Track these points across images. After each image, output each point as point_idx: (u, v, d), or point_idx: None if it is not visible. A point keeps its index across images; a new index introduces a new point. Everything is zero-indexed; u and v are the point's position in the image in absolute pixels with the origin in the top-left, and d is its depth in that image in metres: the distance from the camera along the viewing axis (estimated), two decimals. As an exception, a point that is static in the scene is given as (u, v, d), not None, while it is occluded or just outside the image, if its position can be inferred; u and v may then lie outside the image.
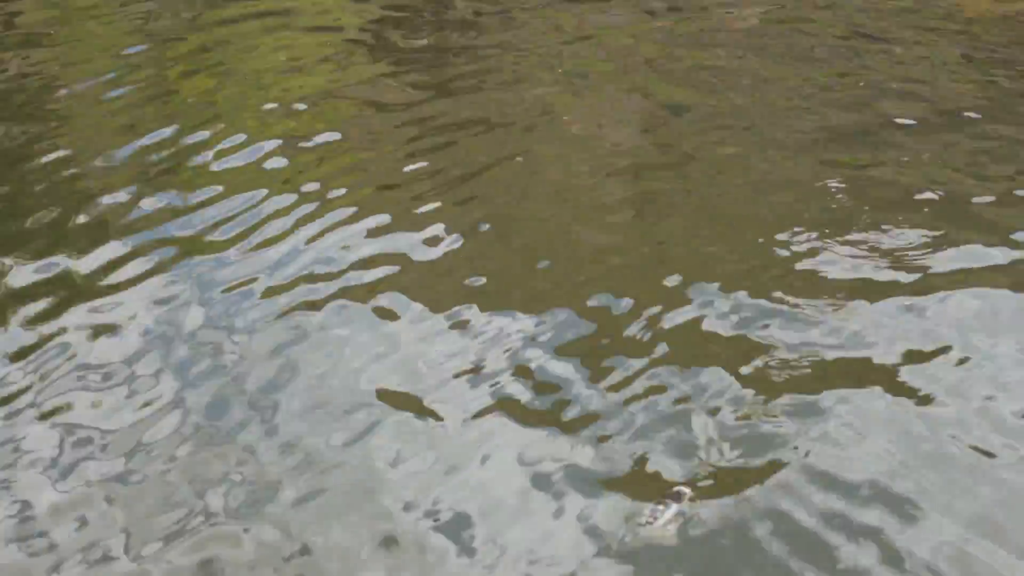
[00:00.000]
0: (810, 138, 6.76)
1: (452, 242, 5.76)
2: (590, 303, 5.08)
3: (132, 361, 4.91)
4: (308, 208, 6.23)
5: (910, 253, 5.34)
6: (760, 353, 4.64)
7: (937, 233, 5.50)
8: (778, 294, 5.03)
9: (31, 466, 4.32)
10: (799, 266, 5.30)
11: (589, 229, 5.88)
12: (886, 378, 4.45)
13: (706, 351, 4.70)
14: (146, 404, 4.62)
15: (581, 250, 5.67)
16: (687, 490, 3.71)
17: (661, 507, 3.62)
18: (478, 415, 4.40)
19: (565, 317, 5.00)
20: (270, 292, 5.39)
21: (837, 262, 5.31)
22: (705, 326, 4.89)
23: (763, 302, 4.98)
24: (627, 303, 5.05)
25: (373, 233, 5.91)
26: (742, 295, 5.05)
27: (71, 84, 8.69)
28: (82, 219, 6.31)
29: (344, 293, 5.34)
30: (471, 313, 5.07)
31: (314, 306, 5.23)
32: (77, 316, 5.30)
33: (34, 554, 3.89)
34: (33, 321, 5.28)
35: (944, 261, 5.27)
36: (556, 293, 5.21)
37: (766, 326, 4.81)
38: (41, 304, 5.43)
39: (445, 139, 7.12)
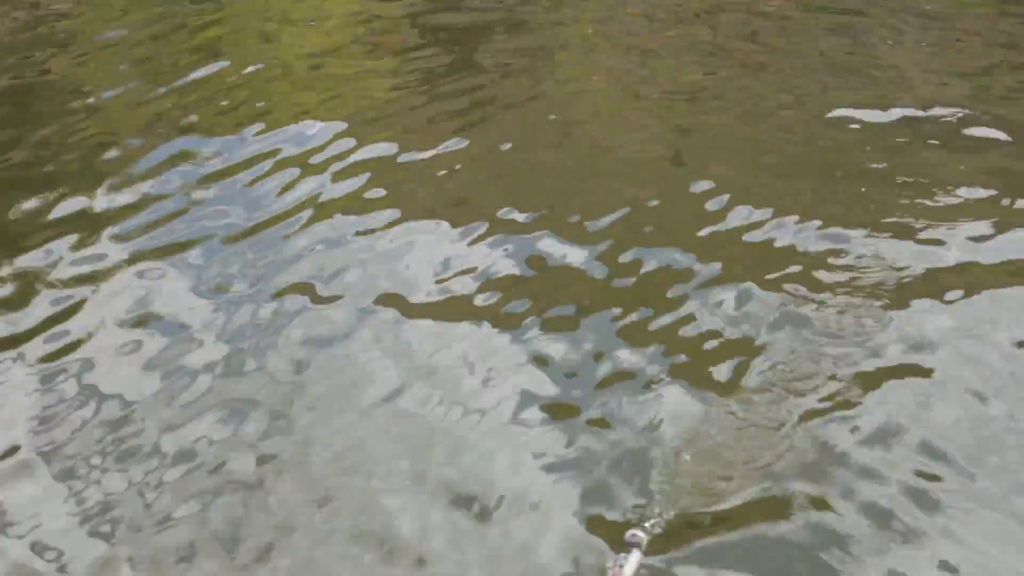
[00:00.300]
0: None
1: (479, 183, 5.69)
2: (610, 259, 4.93)
3: (151, 297, 4.95)
4: (332, 150, 6.18)
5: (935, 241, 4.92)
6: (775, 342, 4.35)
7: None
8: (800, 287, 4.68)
9: (47, 405, 4.33)
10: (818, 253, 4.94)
11: (617, 176, 5.75)
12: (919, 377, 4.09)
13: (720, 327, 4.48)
14: (167, 338, 4.66)
15: (606, 193, 5.52)
16: (643, 534, 3.44)
17: (624, 554, 3.39)
18: (492, 398, 4.20)
19: (588, 277, 4.85)
20: (288, 236, 5.36)
21: (861, 249, 4.92)
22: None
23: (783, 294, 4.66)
24: (650, 261, 4.89)
25: (393, 172, 5.87)
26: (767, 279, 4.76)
27: (91, 34, 8.66)
28: (103, 163, 6.32)
29: (365, 236, 5.30)
30: (494, 273, 4.94)
31: (333, 255, 5.18)
32: (100, 257, 5.34)
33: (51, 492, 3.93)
34: (55, 264, 5.31)
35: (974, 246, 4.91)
36: (578, 243, 5.08)
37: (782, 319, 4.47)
38: (63, 245, 5.45)
39: (476, 80, 7.03)
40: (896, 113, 6.11)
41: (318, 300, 4.87)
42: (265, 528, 3.70)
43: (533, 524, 3.61)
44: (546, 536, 3.57)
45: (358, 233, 5.40)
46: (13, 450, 4.14)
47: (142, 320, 4.85)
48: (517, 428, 4.03)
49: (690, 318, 4.51)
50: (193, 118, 6.81)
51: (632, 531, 3.44)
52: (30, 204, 5.92)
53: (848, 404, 3.96)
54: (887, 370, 4.12)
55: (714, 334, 4.40)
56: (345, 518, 3.71)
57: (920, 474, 3.64)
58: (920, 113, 6.13)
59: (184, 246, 5.40)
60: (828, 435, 3.83)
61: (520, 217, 5.38)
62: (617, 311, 4.60)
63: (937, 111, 6.12)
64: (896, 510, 3.51)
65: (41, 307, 5.00)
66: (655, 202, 5.44)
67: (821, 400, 4.00)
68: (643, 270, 4.86)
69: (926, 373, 4.10)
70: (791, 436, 3.84)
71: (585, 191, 5.61)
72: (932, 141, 5.87)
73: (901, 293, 4.56)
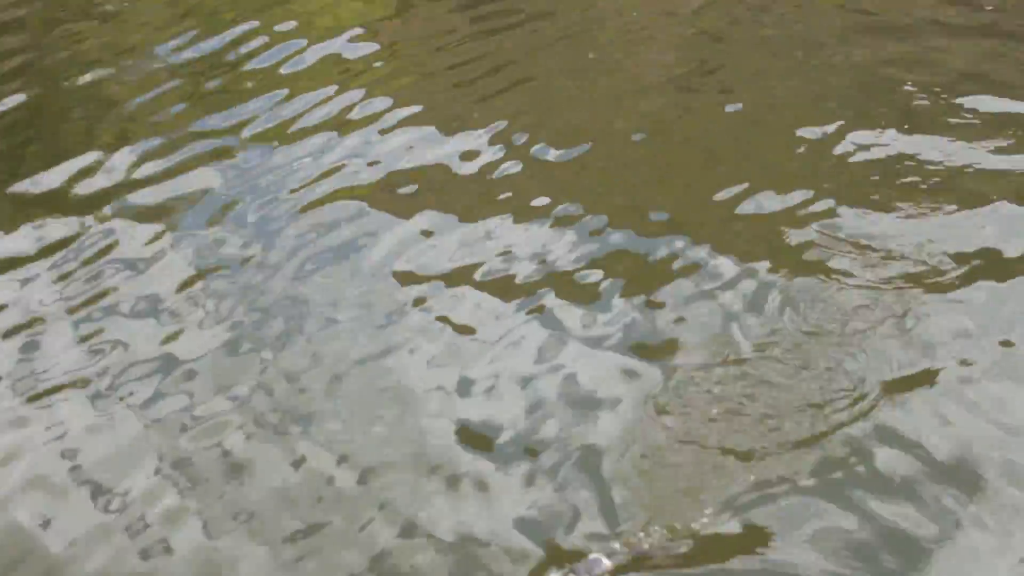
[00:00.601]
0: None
1: (493, 143, 5.45)
2: (631, 210, 4.75)
3: (165, 251, 4.94)
4: (347, 100, 6.05)
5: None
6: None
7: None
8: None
9: (61, 351, 4.39)
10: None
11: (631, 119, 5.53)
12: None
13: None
14: (178, 291, 4.66)
15: (619, 142, 5.33)
16: (606, 561, 3.09)
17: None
18: (504, 328, 4.16)
19: (608, 226, 4.65)
20: (303, 186, 5.30)
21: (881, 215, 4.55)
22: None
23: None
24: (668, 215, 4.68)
25: (411, 123, 5.74)
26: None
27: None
28: (116, 116, 6.34)
29: (379, 188, 5.20)
30: (504, 218, 4.83)
31: (347, 204, 5.11)
32: (115, 206, 5.36)
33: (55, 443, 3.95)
34: (74, 210, 5.36)
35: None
36: (597, 193, 4.93)
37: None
38: (80, 194, 5.51)
39: (494, 26, 6.80)
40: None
41: (334, 219, 4.95)
42: (251, 458, 3.72)
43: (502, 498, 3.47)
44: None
45: (378, 150, 5.46)
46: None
47: (168, 228, 5.08)
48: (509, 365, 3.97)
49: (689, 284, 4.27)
50: (213, 72, 6.74)
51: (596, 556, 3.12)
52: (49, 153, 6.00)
53: (860, 397, 3.59)
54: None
55: (711, 298, 4.15)
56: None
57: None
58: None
59: (204, 192, 5.43)
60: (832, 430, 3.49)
61: (541, 144, 5.31)
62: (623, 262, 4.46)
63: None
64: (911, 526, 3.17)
65: (72, 251, 5.08)
66: (672, 140, 5.32)
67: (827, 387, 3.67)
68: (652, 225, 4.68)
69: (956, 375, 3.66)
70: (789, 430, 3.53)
71: (604, 127, 5.47)
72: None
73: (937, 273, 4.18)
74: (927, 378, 3.63)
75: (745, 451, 3.44)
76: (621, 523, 3.26)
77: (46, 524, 3.60)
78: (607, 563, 3.07)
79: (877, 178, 4.73)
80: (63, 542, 3.51)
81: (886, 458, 3.35)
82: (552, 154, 5.27)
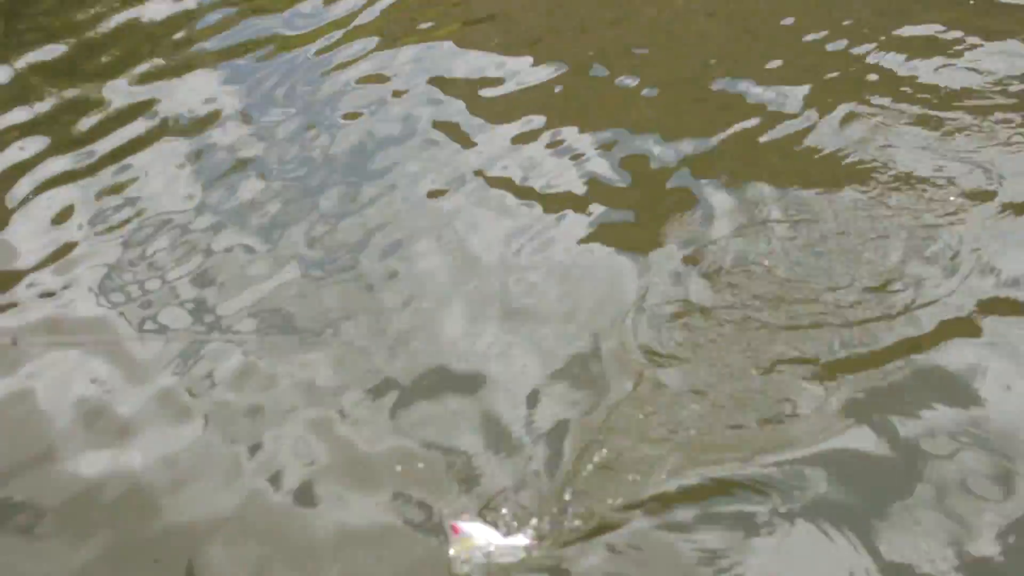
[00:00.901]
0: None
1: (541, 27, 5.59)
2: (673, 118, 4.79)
3: (221, 124, 5.12)
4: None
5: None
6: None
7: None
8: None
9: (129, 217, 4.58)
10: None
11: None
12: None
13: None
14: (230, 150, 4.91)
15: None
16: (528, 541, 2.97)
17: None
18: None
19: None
20: (344, 65, 5.44)
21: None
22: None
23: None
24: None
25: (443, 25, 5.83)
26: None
27: None
28: None
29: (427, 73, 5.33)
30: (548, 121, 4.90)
31: (396, 79, 5.27)
32: (164, 78, 5.55)
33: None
34: (129, 79, 5.56)
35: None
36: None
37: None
38: (131, 63, 5.69)
39: None
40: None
41: (394, 121, 5.03)
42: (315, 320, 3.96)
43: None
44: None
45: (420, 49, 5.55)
46: (69, 246, 4.43)
47: (215, 96, 5.30)
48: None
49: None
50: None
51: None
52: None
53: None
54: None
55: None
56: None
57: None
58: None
59: (254, 70, 5.57)
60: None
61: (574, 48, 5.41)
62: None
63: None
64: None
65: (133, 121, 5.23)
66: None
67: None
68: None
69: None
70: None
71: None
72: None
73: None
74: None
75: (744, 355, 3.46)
76: (610, 394, 3.40)
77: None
78: (527, 541, 2.99)
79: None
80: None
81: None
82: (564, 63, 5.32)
